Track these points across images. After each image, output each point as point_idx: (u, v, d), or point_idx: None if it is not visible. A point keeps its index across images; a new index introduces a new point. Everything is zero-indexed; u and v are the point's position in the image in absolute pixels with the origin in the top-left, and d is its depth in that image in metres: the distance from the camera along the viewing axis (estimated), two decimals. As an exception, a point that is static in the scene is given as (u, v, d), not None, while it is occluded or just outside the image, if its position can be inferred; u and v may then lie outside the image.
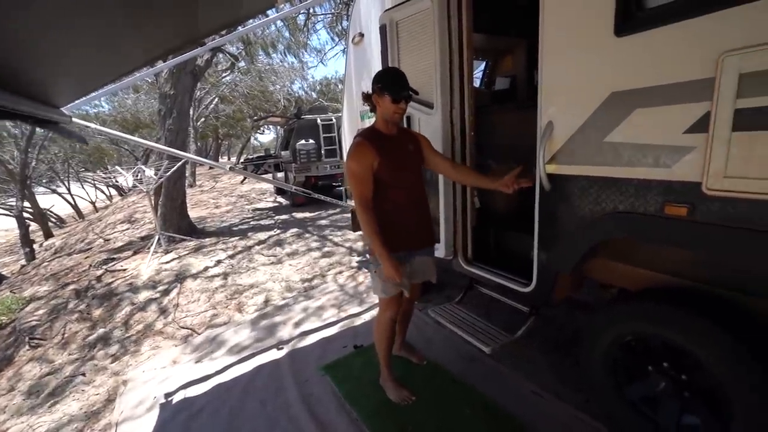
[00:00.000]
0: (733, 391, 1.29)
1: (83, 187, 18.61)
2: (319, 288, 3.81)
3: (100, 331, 3.37)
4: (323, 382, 2.26)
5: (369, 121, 3.42)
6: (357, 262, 4.46)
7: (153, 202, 5.68)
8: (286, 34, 11.47)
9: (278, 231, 6.12)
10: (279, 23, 10.41)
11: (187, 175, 8.19)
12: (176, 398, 2.33)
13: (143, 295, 3.94)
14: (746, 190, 1.13)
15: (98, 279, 4.63)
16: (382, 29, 2.61)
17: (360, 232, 4.15)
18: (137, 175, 5.67)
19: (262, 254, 4.98)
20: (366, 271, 4.08)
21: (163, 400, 2.32)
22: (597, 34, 1.44)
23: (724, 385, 1.30)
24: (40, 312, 4.04)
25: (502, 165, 2.71)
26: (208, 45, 4.73)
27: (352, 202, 2.71)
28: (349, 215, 4.62)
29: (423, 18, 2.29)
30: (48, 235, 12.05)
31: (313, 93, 17.39)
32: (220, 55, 9.62)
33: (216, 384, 2.41)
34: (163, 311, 3.60)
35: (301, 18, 9.79)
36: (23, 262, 8.74)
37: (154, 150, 6.31)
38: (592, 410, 1.85)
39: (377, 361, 2.09)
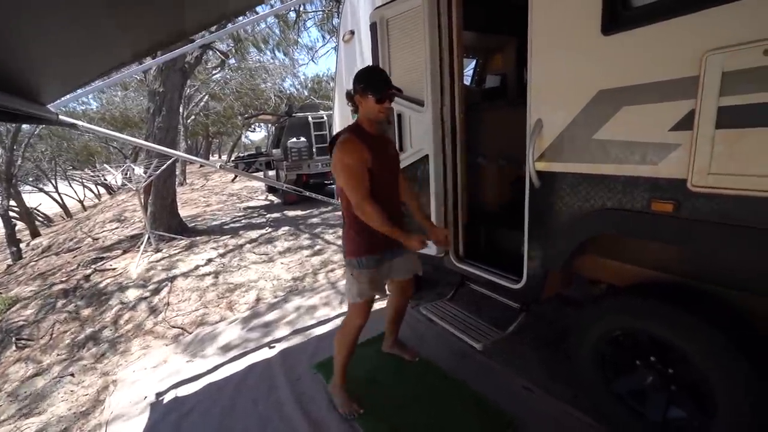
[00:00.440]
0: (718, 384, 1.31)
1: (71, 186, 18.32)
2: (311, 286, 3.80)
3: (89, 330, 3.33)
4: (315, 380, 2.26)
5: (360, 119, 3.41)
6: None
7: (143, 200, 5.61)
8: (277, 31, 11.39)
9: (270, 229, 6.09)
10: (270, 20, 10.32)
11: (177, 173, 8.10)
12: (167, 398, 2.31)
13: (133, 295, 3.90)
14: (730, 187, 1.16)
15: (87, 278, 4.57)
16: (373, 27, 2.60)
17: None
18: (126, 174, 5.60)
19: (254, 252, 4.95)
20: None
21: (154, 400, 2.30)
22: (584, 33, 1.45)
23: (710, 379, 1.33)
24: (28, 312, 3.98)
25: (492, 162, 2.73)
26: (198, 42, 4.69)
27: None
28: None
29: (413, 15, 2.29)
30: (35, 234, 11.86)
31: (304, 90, 17.27)
32: (210, 53, 9.51)
33: (207, 383, 2.39)
34: (154, 310, 3.56)
35: (292, 15, 9.72)
36: (9, 261, 8.59)
37: (144, 148, 6.22)
38: (581, 405, 1.88)
39: (370, 357, 2.10)
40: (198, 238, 5.69)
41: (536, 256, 1.88)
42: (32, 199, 14.92)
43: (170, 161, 5.56)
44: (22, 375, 2.89)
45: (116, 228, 7.62)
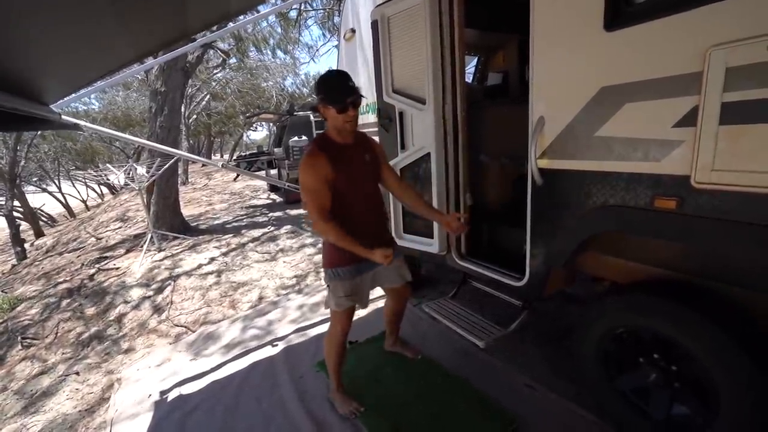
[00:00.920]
0: (720, 381, 1.31)
1: (74, 186, 18.40)
2: (313, 284, 3.81)
3: (94, 329, 3.35)
4: (318, 378, 2.27)
5: (361, 118, 3.41)
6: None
7: (145, 200, 5.63)
8: (278, 29, 11.39)
9: (272, 228, 6.10)
10: (271, 18, 10.32)
11: (179, 172, 8.13)
12: (171, 396, 2.32)
13: (136, 294, 3.92)
14: (733, 183, 1.15)
15: (91, 278, 4.59)
16: (374, 25, 2.60)
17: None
18: (129, 173, 5.61)
19: (256, 251, 4.97)
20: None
21: (158, 398, 2.32)
22: (587, 29, 1.45)
23: (713, 376, 1.33)
24: (33, 311, 4.00)
25: (495, 160, 2.72)
26: (199, 41, 4.70)
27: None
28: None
29: (415, 13, 2.28)
30: (39, 234, 11.91)
31: (305, 89, 17.27)
32: (211, 52, 9.52)
33: (211, 381, 2.40)
34: (157, 309, 3.58)
35: (293, 14, 9.72)
36: (14, 261, 8.63)
37: (146, 147, 6.24)
38: (584, 402, 1.88)
39: (372, 356, 2.10)
40: (200, 237, 5.71)
41: (538, 253, 1.88)
42: (36, 199, 14.99)
43: (172, 161, 5.58)
44: (28, 373, 2.92)
45: (119, 227, 7.66)
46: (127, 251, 5.40)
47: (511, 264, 2.19)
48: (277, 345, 2.71)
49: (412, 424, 1.85)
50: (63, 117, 2.78)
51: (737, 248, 1.25)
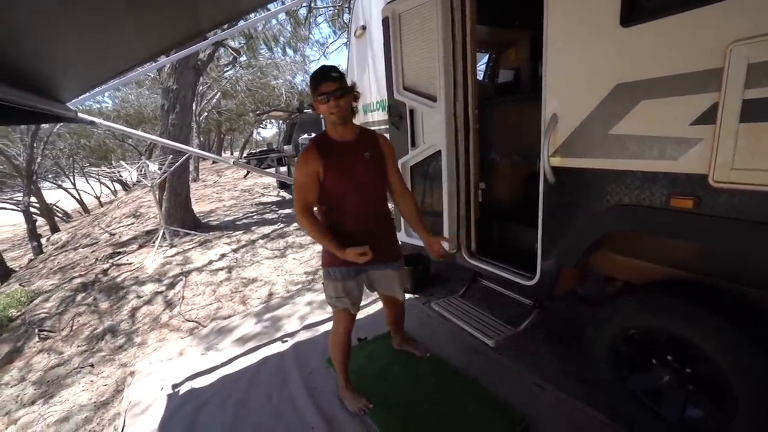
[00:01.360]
0: (738, 384, 1.29)
1: (88, 182, 18.72)
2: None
3: (108, 323, 3.41)
4: (328, 374, 2.28)
5: (372, 115, 3.41)
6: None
7: (157, 196, 5.71)
8: (288, 27, 11.42)
9: (282, 225, 6.14)
10: (281, 16, 10.35)
11: (190, 169, 8.22)
12: (183, 389, 2.36)
13: (149, 289, 3.98)
14: (754, 183, 1.12)
15: (105, 272, 4.68)
16: (385, 22, 2.59)
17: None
18: (141, 170, 5.69)
19: (266, 248, 5.01)
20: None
21: (170, 391, 2.35)
22: (602, 25, 1.42)
23: (730, 379, 1.30)
24: (49, 305, 4.09)
25: (506, 158, 2.70)
26: (211, 39, 4.73)
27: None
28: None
29: (426, 10, 2.27)
30: (54, 229, 12.17)
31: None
32: (222, 50, 9.59)
33: (222, 376, 2.43)
34: (169, 304, 3.63)
35: (303, 12, 9.74)
36: (31, 256, 8.84)
37: (158, 144, 6.31)
38: (595, 402, 1.86)
39: (381, 353, 2.10)
40: (211, 233, 5.77)
41: (550, 252, 1.86)
42: (51, 195, 15.30)
43: (184, 157, 5.64)
44: (45, 365, 2.99)
45: (132, 223, 7.77)
46: (140, 247, 5.48)
47: (522, 263, 2.18)
48: (287, 341, 2.73)
49: (421, 422, 1.85)
50: (79, 114, 2.83)
51: (756, 249, 1.22)
